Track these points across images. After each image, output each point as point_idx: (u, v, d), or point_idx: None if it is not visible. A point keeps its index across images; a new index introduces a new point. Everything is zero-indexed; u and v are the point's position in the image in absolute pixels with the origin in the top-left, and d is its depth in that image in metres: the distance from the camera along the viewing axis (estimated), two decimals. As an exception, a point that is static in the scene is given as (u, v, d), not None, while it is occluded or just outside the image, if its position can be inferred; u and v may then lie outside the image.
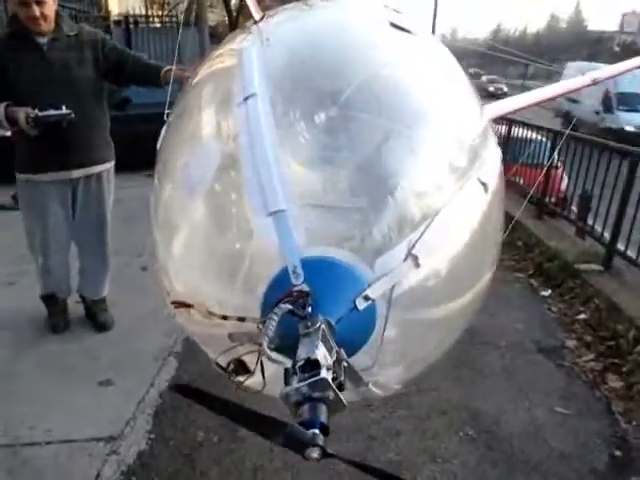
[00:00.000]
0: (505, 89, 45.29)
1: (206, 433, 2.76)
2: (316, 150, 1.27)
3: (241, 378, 1.34)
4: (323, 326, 1.06)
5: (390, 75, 1.41)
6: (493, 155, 1.59)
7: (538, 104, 2.28)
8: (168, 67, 3.17)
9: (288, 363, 1.03)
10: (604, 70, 2.59)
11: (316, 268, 1.13)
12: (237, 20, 20.98)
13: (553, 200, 6.49)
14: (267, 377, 1.28)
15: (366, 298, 1.16)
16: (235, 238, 1.26)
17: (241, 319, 1.22)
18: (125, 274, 4.58)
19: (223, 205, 1.30)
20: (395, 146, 1.28)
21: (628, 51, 44.63)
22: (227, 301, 1.28)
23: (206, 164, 1.33)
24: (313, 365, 1.00)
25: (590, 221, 5.38)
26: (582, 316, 4.25)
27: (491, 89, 44.72)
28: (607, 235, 4.86)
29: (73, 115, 2.98)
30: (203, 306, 1.30)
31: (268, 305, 1.16)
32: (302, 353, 1.02)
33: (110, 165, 3.54)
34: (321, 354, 1.01)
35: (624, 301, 4.16)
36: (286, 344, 1.08)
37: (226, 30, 20.91)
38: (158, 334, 3.68)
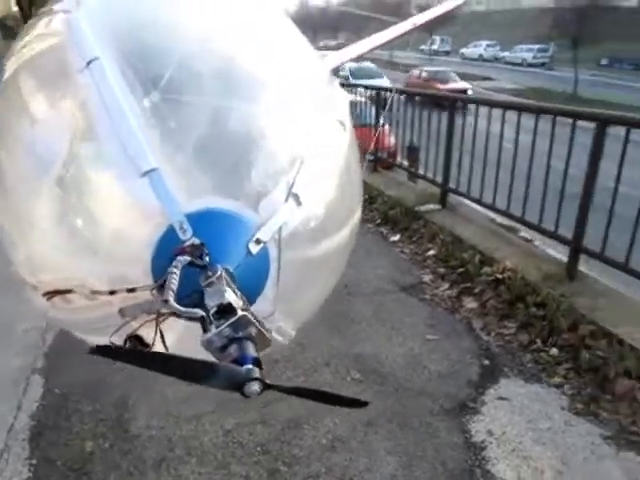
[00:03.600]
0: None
1: (95, 441, 2.55)
2: (175, 112, 1.21)
3: None
4: (224, 273, 1.04)
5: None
6: (343, 98, 1.65)
7: (372, 50, 2.41)
8: None
9: (199, 313, 0.99)
10: (423, 15, 2.79)
11: (202, 220, 1.09)
12: (30, 10, 18.99)
13: (384, 155, 6.93)
14: (168, 346, 1.22)
15: (258, 242, 1.15)
16: (107, 208, 1.15)
17: (131, 290, 1.13)
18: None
19: (86, 179, 1.17)
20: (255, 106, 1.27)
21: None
22: (110, 276, 1.17)
23: (53, 140, 1.18)
24: (226, 309, 0.98)
25: (421, 169, 5.84)
26: (431, 252, 4.61)
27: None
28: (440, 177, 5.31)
29: None
30: (84, 287, 1.19)
31: (158, 268, 1.10)
32: (211, 301, 0.99)
33: None
34: (232, 297, 0.99)
35: (464, 232, 4.59)
36: (184, 302, 1.03)
37: (19, 22, 18.83)
38: (12, 355, 3.30)
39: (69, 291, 1.22)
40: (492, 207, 4.50)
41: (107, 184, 1.14)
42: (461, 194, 5.00)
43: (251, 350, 0.94)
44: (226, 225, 1.14)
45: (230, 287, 1.01)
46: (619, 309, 3.17)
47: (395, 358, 3.21)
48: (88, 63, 1.16)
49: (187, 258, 1.02)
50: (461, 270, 4.14)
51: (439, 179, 5.28)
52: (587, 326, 3.06)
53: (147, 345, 1.23)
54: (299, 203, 1.22)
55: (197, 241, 1.06)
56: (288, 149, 1.27)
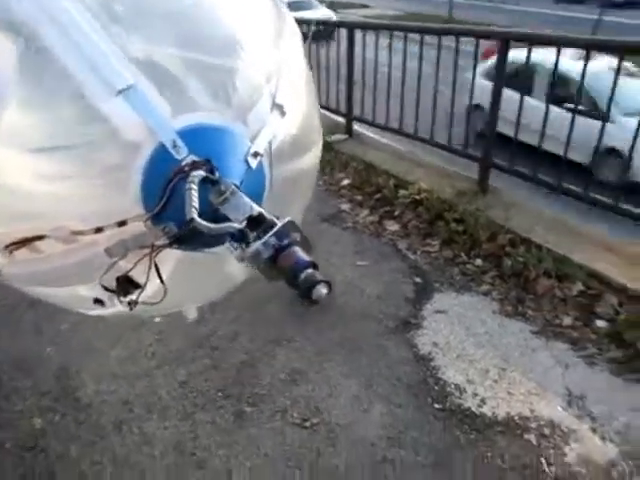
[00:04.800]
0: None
1: (43, 417, 2.39)
2: (140, 26, 1.08)
3: (133, 296, 1.19)
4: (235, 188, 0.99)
5: None
6: (288, 12, 1.59)
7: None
8: None
9: (236, 227, 0.94)
10: None
11: (193, 137, 1.01)
12: None
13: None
14: (152, 289, 1.16)
15: (255, 155, 1.10)
16: (82, 136, 1.00)
17: (122, 223, 1.03)
18: None
19: (48, 105, 1.00)
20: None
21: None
22: (93, 212, 1.05)
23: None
24: (258, 221, 0.95)
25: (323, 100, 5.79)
26: (346, 181, 4.66)
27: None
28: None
29: None
30: (61, 230, 1.06)
31: (149, 195, 1.00)
32: (238, 215, 0.95)
33: None
34: (259, 209, 0.96)
35: (375, 159, 4.69)
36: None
37: None
38: None
39: (40, 237, 1.08)
40: (399, 131, 4.60)
41: (77, 109, 0.99)
42: (366, 122, 5.05)
43: (303, 254, 0.92)
44: (220, 140, 1.06)
45: (251, 199, 0.97)
46: (530, 217, 3.43)
47: (332, 284, 3.27)
48: None
49: (202, 173, 0.94)
50: (378, 196, 4.24)
51: (343, 109, 5.28)
52: (505, 235, 3.29)
53: (138, 285, 1.16)
54: (283, 113, 1.19)
55: (196, 158, 0.98)
56: (265, 61, 1.21)
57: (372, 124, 4.98)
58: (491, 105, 3.59)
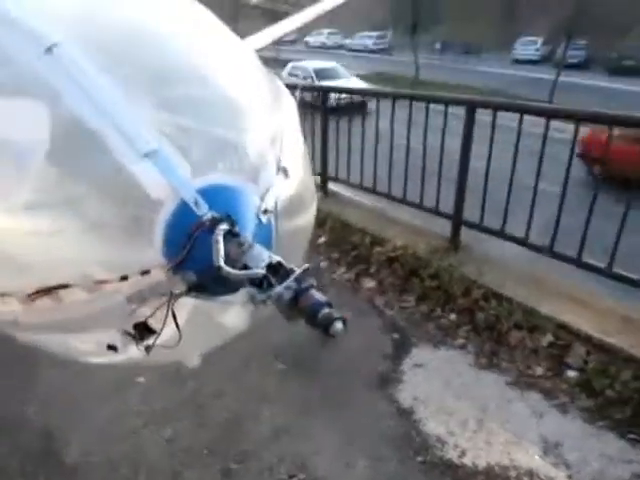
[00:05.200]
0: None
1: (26, 479, 2.38)
2: (158, 92, 1.21)
3: (149, 341, 1.27)
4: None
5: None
6: (278, 79, 1.76)
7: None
8: None
9: (262, 273, 1.05)
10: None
11: (211, 195, 1.13)
12: None
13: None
14: (166, 335, 1.25)
15: (265, 211, 1.23)
16: (108, 194, 1.11)
17: (145, 272, 1.13)
18: None
19: (79, 169, 1.11)
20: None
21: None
22: (118, 262, 1.14)
23: (29, 132, 1.11)
24: (277, 268, 1.06)
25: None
26: (322, 239, 4.81)
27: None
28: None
29: None
30: (87, 278, 1.14)
31: (172, 245, 1.11)
32: (258, 264, 1.06)
33: None
34: (278, 258, 1.08)
35: (350, 217, 4.86)
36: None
37: None
38: None
39: (65, 286, 1.15)
40: (373, 191, 4.80)
41: (106, 171, 1.10)
42: (341, 181, 5.26)
43: (321, 295, 1.03)
44: (235, 198, 1.19)
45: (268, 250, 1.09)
46: (501, 272, 3.60)
47: (310, 341, 3.34)
48: (48, 49, 1.11)
49: (226, 227, 1.07)
50: (355, 253, 4.39)
51: (318, 169, 5.48)
52: (478, 290, 3.44)
53: (154, 331, 1.25)
54: (287, 176, 1.33)
55: (216, 214, 1.10)
56: (269, 126, 1.35)
57: (347, 183, 5.18)
58: (460, 161, 3.81)
